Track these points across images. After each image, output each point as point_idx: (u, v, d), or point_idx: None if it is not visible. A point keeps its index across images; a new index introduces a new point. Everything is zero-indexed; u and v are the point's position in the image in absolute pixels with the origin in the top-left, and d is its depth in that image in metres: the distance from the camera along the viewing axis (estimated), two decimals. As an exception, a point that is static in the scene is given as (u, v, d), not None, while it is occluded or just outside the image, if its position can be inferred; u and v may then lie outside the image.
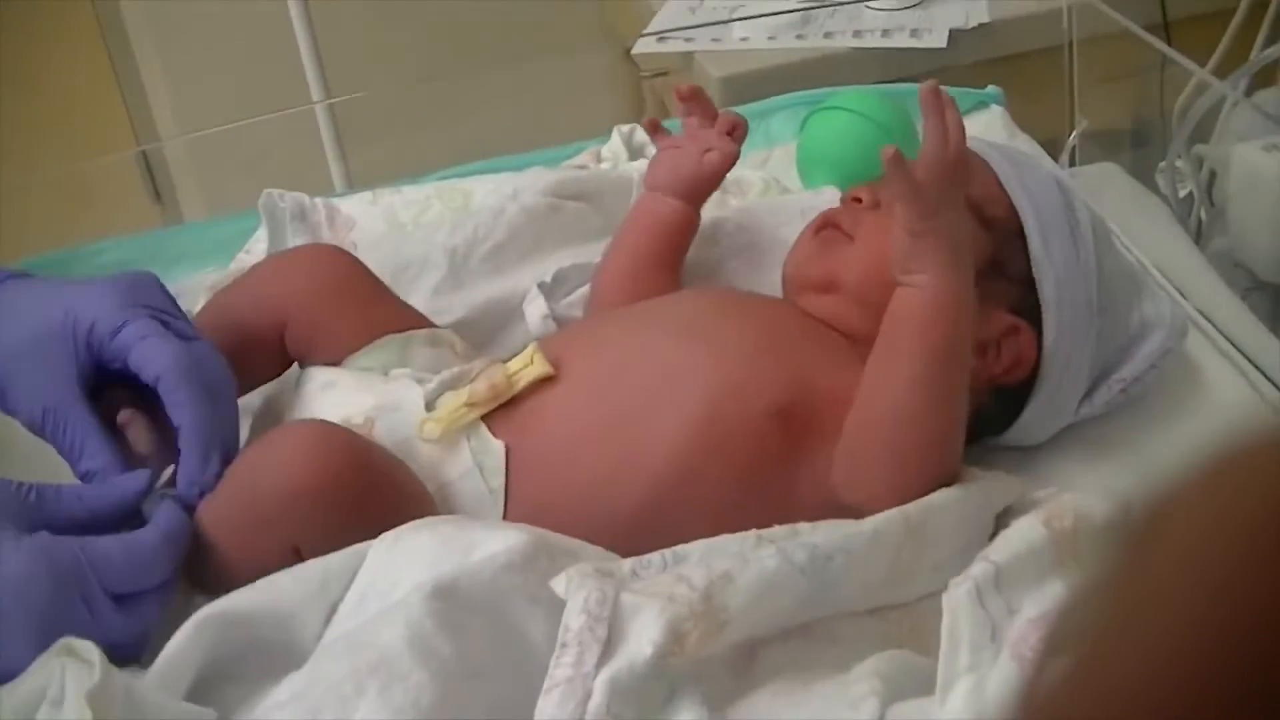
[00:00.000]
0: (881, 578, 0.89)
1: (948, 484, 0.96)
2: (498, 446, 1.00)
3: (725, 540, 0.88)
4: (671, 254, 1.21)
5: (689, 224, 1.21)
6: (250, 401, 1.11)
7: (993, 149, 1.14)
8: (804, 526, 0.89)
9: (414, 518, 0.92)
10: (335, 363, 1.09)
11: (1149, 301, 1.15)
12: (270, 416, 1.09)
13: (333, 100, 1.69)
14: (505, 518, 0.98)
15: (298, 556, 0.91)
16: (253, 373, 1.09)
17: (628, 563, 0.86)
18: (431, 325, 1.15)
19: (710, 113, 1.21)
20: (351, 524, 0.90)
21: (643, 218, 1.21)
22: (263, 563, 0.91)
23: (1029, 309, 1.07)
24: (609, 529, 0.96)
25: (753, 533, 0.89)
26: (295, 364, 1.13)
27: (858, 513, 0.94)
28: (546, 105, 1.88)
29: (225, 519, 0.94)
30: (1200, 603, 0.39)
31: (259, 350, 1.09)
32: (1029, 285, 1.07)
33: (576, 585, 0.82)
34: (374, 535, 0.90)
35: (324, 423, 0.99)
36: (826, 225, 1.12)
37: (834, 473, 0.98)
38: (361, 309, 1.12)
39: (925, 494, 0.94)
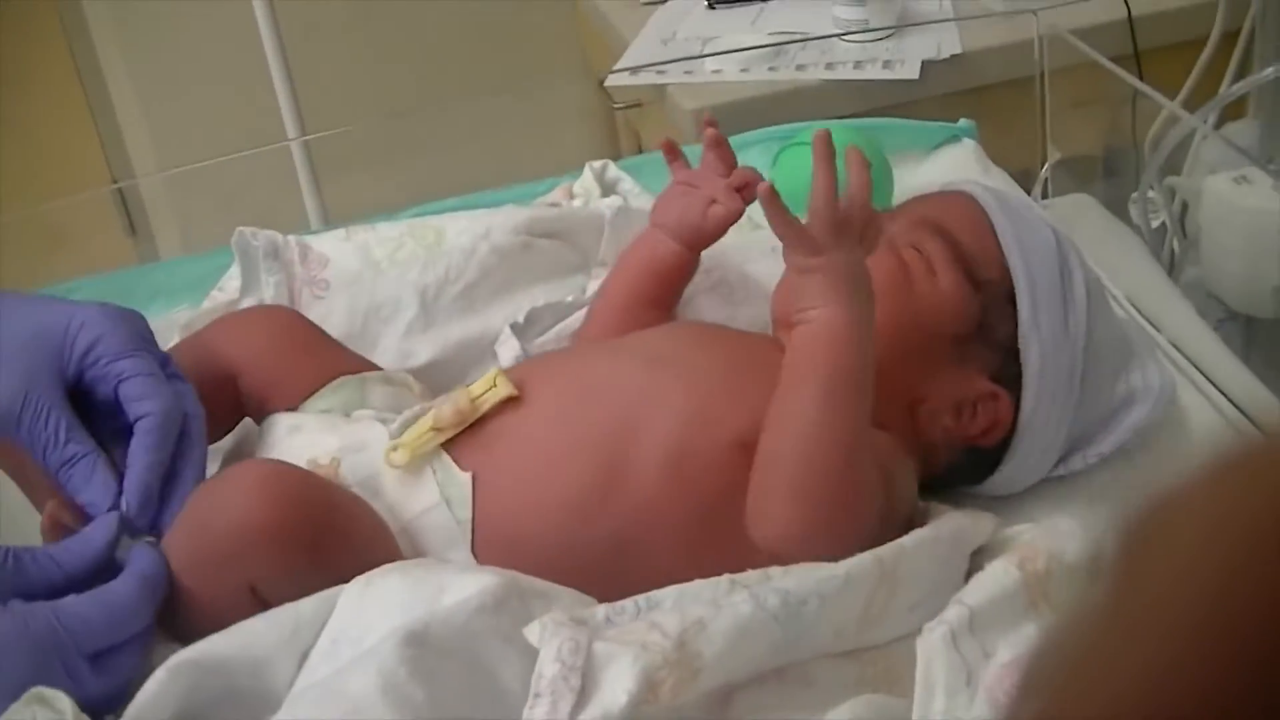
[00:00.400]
0: (856, 621, 0.88)
1: (869, 522, 0.94)
2: (464, 478, 1.00)
3: (698, 586, 0.88)
4: (666, 294, 1.20)
5: (686, 267, 1.21)
6: (217, 448, 1.11)
7: (993, 199, 1.13)
8: (776, 571, 0.89)
9: (374, 554, 0.92)
10: (293, 408, 1.09)
11: (1137, 371, 1.13)
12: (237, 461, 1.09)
13: (309, 137, 1.68)
14: (474, 549, 0.98)
15: (254, 595, 0.91)
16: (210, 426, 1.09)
17: (601, 609, 0.86)
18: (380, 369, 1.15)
19: (728, 159, 1.19)
20: (305, 562, 0.91)
21: (641, 257, 1.20)
22: (219, 601, 0.91)
23: (1010, 376, 1.06)
24: (577, 557, 0.96)
25: (725, 577, 0.88)
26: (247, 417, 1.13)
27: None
28: (522, 137, 1.88)
29: (179, 556, 0.93)
30: (1202, 611, 0.39)
31: (214, 404, 1.08)
32: (1012, 353, 1.06)
33: (550, 633, 0.81)
34: (331, 573, 0.89)
35: (277, 462, 0.99)
36: None
37: (745, 512, 0.96)
38: (314, 357, 1.12)
39: (840, 533, 0.92)
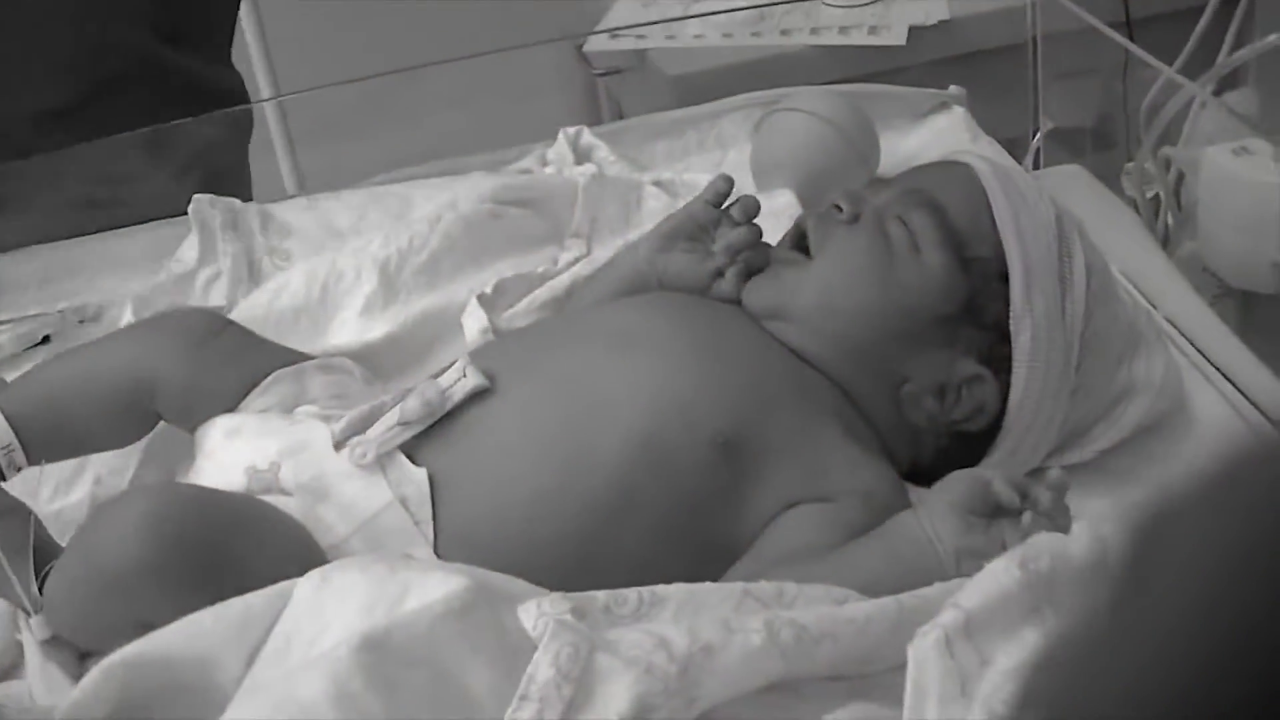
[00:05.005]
0: (857, 663, 0.81)
1: None
2: (419, 475, 0.94)
3: (707, 591, 0.82)
4: None
5: None
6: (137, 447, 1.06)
7: (992, 173, 1.06)
8: (790, 588, 0.82)
9: (289, 574, 0.84)
10: (231, 410, 1.03)
11: (1141, 360, 1.07)
12: (171, 470, 1.03)
13: (280, 97, 1.62)
14: (437, 549, 0.92)
15: (150, 629, 0.83)
16: (112, 435, 1.05)
17: (601, 596, 0.80)
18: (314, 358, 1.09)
19: (755, 235, 1.09)
20: (196, 601, 0.83)
21: (628, 283, 1.13)
22: (108, 632, 0.84)
23: (1000, 358, 1.01)
24: (545, 555, 0.90)
25: (739, 586, 0.82)
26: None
27: None
28: (498, 103, 1.83)
29: (67, 592, 0.88)
30: (1203, 613, 0.39)
31: (119, 413, 1.03)
32: (1002, 335, 1.01)
33: (550, 635, 0.75)
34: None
35: (169, 487, 0.93)
36: (794, 237, 1.06)
37: (725, 518, 0.92)
38: (240, 356, 1.05)
39: None
